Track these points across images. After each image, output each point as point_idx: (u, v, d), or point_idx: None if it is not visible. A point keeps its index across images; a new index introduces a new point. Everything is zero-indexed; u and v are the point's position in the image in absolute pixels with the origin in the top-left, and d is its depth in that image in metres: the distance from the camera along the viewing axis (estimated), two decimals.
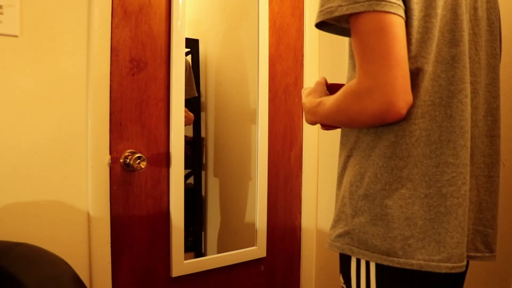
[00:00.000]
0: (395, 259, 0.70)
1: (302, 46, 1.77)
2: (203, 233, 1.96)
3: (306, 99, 0.90)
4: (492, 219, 0.82)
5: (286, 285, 1.78)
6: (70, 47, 1.23)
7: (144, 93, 1.38)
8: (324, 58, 1.78)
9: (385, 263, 0.71)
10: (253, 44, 1.66)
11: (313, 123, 0.88)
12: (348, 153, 0.81)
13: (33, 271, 0.90)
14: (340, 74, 1.69)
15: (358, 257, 0.74)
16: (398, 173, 0.71)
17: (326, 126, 0.93)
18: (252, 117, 1.69)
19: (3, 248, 0.98)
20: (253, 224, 1.68)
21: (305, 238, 1.81)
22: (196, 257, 1.65)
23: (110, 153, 1.31)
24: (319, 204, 1.82)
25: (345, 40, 1.67)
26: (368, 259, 0.73)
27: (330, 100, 0.77)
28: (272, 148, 1.70)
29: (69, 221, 1.24)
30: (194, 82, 1.87)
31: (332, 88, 0.90)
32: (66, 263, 0.96)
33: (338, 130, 0.99)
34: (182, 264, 1.46)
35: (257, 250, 1.67)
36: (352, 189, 0.76)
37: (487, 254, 0.82)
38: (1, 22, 1.11)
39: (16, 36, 1.14)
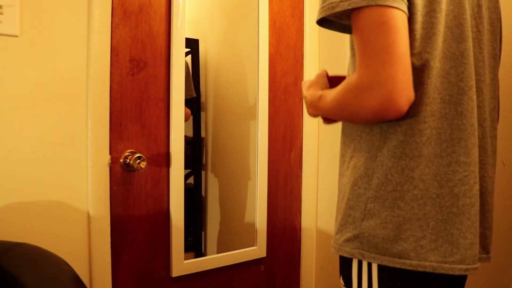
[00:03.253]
0: (407, 261, 0.69)
1: (302, 46, 1.77)
2: (203, 233, 1.96)
3: (307, 92, 0.87)
4: (491, 221, 0.82)
5: (286, 285, 1.78)
6: (70, 47, 1.23)
7: (144, 93, 1.38)
8: (324, 58, 1.78)
9: (397, 266, 0.69)
10: (253, 44, 1.66)
11: (315, 116, 0.87)
12: (351, 154, 0.78)
13: (33, 271, 0.90)
14: (340, 73, 1.69)
15: (369, 261, 0.72)
16: (410, 173, 0.70)
17: (328, 120, 0.91)
18: (252, 117, 1.69)
19: (3, 248, 0.97)
20: (253, 224, 1.68)
21: (305, 238, 1.81)
22: (196, 257, 1.65)
23: (110, 153, 1.31)
24: (319, 204, 1.82)
25: (345, 40, 1.68)
26: (379, 262, 0.71)
27: (331, 95, 0.74)
28: (272, 148, 1.70)
29: (69, 221, 1.24)
30: (192, 83, 1.87)
31: (333, 81, 0.88)
32: (66, 263, 0.96)
33: (339, 127, 0.99)
34: (182, 264, 1.46)
35: (257, 250, 1.67)
36: (359, 191, 0.74)
37: (484, 255, 0.81)
38: (1, 22, 1.11)
39: (16, 36, 1.14)
